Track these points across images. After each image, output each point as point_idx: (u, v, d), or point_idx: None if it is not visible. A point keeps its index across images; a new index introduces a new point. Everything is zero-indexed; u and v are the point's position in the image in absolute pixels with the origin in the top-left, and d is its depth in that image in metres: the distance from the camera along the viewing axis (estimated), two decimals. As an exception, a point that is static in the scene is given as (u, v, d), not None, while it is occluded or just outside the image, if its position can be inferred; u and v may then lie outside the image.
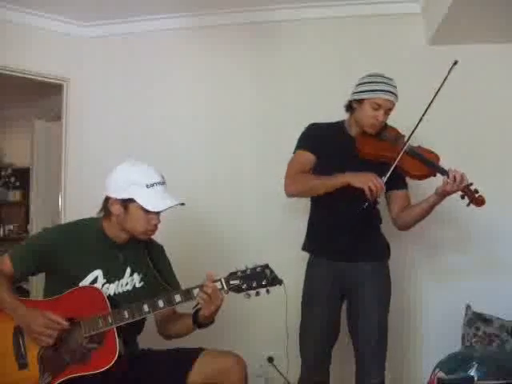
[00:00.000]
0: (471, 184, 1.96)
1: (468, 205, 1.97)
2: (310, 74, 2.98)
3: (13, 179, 5.83)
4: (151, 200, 1.69)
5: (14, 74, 3.08)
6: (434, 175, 2.06)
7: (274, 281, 1.69)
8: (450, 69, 2.09)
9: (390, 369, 2.79)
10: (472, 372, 1.99)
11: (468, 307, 2.55)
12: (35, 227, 4.11)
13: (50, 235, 1.78)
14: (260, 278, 1.69)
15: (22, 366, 1.62)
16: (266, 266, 1.71)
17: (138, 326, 1.79)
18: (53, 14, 3.10)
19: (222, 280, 1.69)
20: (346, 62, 2.99)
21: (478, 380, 1.96)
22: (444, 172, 1.99)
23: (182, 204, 1.73)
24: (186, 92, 3.15)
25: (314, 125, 2.23)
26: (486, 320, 2.45)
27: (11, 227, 5.75)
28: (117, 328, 1.62)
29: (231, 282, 1.69)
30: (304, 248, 2.27)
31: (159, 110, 3.17)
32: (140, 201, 1.69)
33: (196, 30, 3.14)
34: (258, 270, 1.70)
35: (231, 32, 3.09)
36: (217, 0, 2.97)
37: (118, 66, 3.24)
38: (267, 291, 1.69)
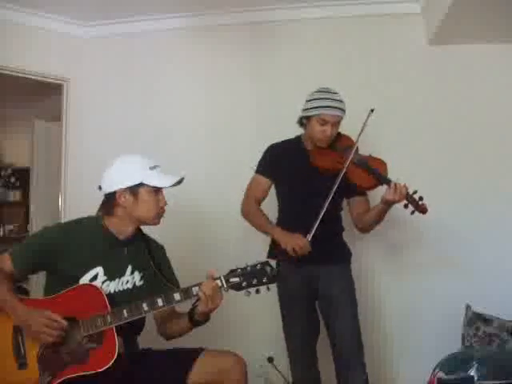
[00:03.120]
0: (415, 192, 2.03)
1: (412, 213, 2.05)
2: (309, 73, 2.97)
3: (13, 179, 5.83)
4: (159, 179, 1.76)
5: (13, 74, 3.08)
6: (382, 185, 2.11)
7: (275, 278, 1.69)
8: (368, 116, 2.19)
9: (389, 369, 2.81)
10: (472, 372, 1.99)
11: (468, 307, 2.55)
12: (35, 227, 4.11)
13: (50, 233, 1.78)
14: (260, 275, 1.68)
15: (22, 365, 1.62)
16: (267, 263, 1.70)
17: (137, 326, 1.79)
18: (53, 14, 3.10)
19: (222, 278, 1.68)
20: (346, 62, 2.99)
21: (478, 380, 1.96)
22: (387, 182, 2.06)
23: (182, 179, 1.80)
24: (185, 92, 3.15)
25: (271, 147, 2.36)
26: (485, 320, 2.45)
27: (11, 227, 5.74)
28: (116, 327, 1.62)
29: (231, 280, 1.67)
30: (270, 255, 2.27)
31: (159, 109, 3.17)
32: (149, 181, 1.74)
33: (196, 30, 3.14)
34: (258, 267, 1.69)
35: (231, 32, 3.10)
36: (217, 0, 2.97)
37: (118, 65, 3.24)
38: (268, 288, 1.69)
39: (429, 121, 2.90)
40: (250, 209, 2.31)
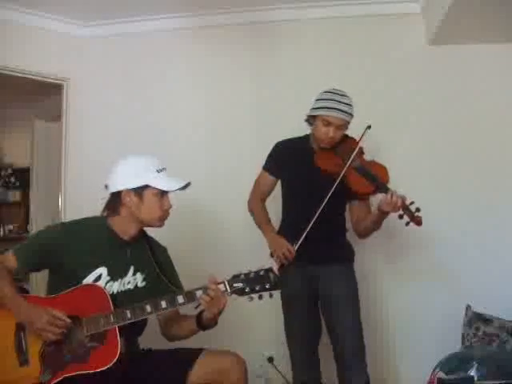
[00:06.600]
0: (412, 203, 1.98)
1: (407, 224, 1.99)
2: (310, 74, 2.98)
3: (13, 179, 5.82)
4: (165, 182, 1.76)
5: (13, 74, 3.08)
6: (380, 192, 2.08)
7: (278, 285, 1.70)
8: (363, 133, 2.17)
9: (390, 369, 2.81)
10: (472, 372, 1.99)
11: (468, 307, 2.55)
12: (35, 227, 4.10)
13: (52, 233, 1.79)
14: (263, 281, 1.69)
15: (23, 362, 1.62)
16: (270, 270, 1.72)
17: (139, 327, 1.79)
18: (53, 14, 3.10)
19: (226, 282, 1.69)
20: (346, 62, 2.99)
21: (478, 380, 1.96)
22: (385, 190, 2.03)
23: (189, 184, 1.81)
24: (185, 92, 3.15)
25: (277, 145, 2.36)
26: (485, 320, 2.45)
27: (11, 227, 5.73)
28: (118, 327, 1.62)
29: (234, 285, 1.69)
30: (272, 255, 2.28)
31: (159, 109, 3.17)
32: (155, 184, 1.74)
33: (196, 30, 3.14)
34: (262, 273, 1.70)
35: (231, 32, 3.10)
36: (217, 0, 2.97)
37: (118, 66, 3.24)
38: (270, 295, 1.70)
39: (428, 121, 2.90)
40: (254, 205, 2.37)
